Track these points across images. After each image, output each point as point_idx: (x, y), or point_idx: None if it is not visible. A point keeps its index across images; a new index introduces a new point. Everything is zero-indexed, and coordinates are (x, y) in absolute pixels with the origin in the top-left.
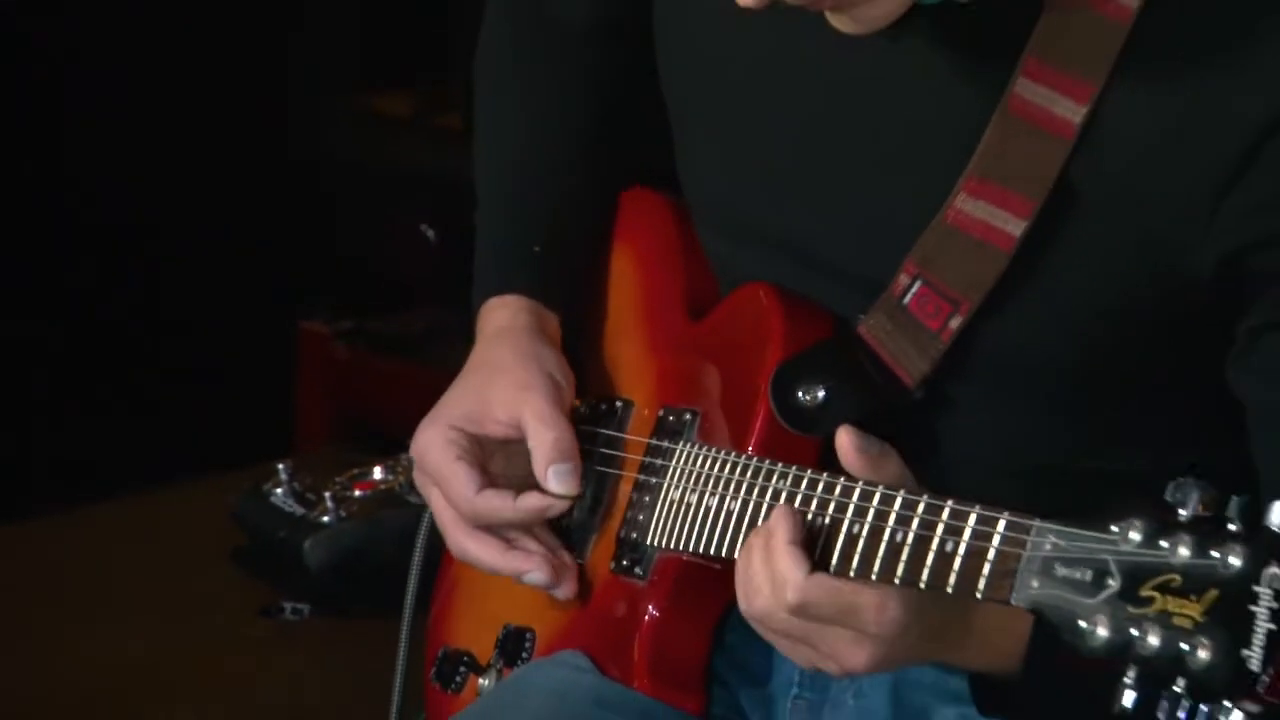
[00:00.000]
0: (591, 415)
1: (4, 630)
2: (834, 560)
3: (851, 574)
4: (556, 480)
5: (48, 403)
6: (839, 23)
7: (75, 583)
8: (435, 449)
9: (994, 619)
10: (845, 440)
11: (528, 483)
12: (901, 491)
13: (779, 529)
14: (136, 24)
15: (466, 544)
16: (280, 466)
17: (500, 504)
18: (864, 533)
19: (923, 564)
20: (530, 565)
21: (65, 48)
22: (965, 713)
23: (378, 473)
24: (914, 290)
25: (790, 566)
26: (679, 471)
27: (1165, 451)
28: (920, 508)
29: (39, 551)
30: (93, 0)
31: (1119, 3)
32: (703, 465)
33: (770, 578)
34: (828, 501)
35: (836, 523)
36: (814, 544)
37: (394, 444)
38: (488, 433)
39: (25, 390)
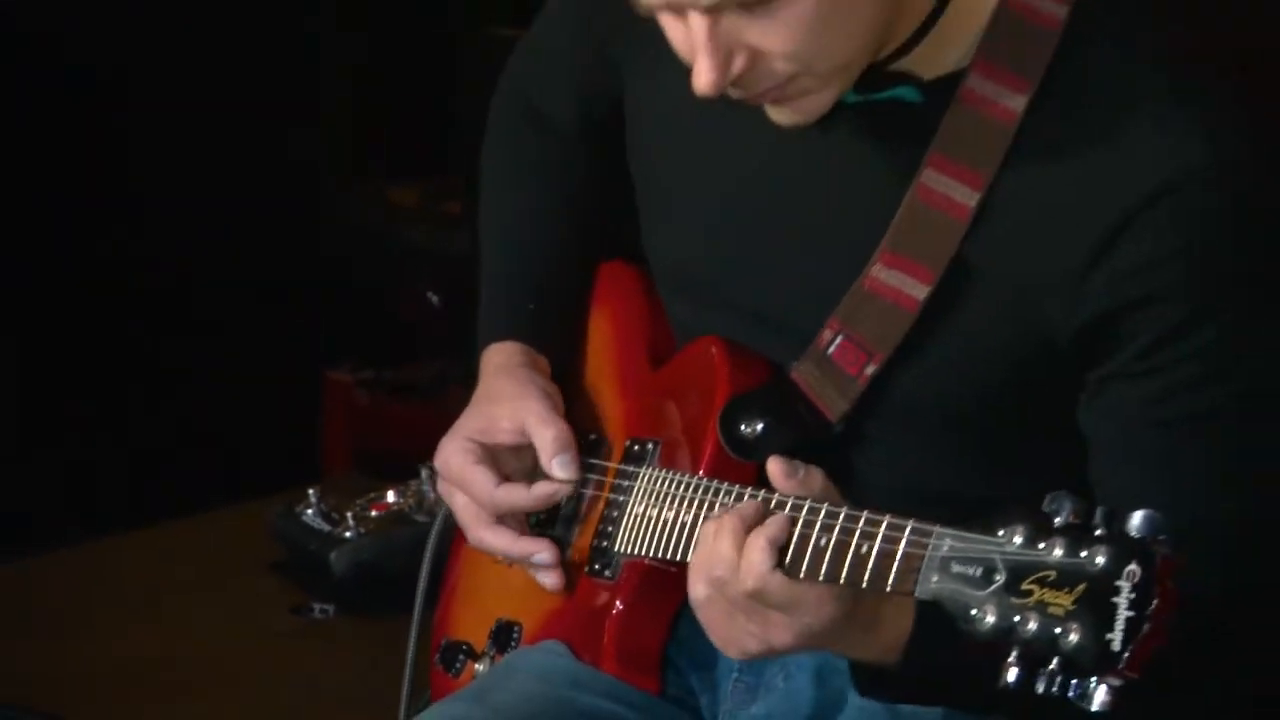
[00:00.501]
0: None
1: (82, 624)
2: None
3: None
4: (560, 468)
5: (121, 439)
6: (777, 115)
7: (141, 586)
8: (456, 458)
9: (887, 618)
10: (774, 468)
11: (535, 477)
12: (825, 504)
13: (769, 527)
14: (201, 130)
15: (486, 535)
16: (310, 491)
17: (518, 494)
18: (793, 539)
19: (842, 564)
20: (539, 547)
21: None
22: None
23: (391, 496)
24: (836, 343)
25: (762, 560)
26: (642, 490)
27: (1043, 478)
28: (840, 517)
29: (111, 561)
30: (159, 98)
31: (1006, 107)
32: (662, 485)
33: (739, 558)
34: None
35: None
36: None
37: (404, 472)
38: (498, 441)
39: (104, 430)
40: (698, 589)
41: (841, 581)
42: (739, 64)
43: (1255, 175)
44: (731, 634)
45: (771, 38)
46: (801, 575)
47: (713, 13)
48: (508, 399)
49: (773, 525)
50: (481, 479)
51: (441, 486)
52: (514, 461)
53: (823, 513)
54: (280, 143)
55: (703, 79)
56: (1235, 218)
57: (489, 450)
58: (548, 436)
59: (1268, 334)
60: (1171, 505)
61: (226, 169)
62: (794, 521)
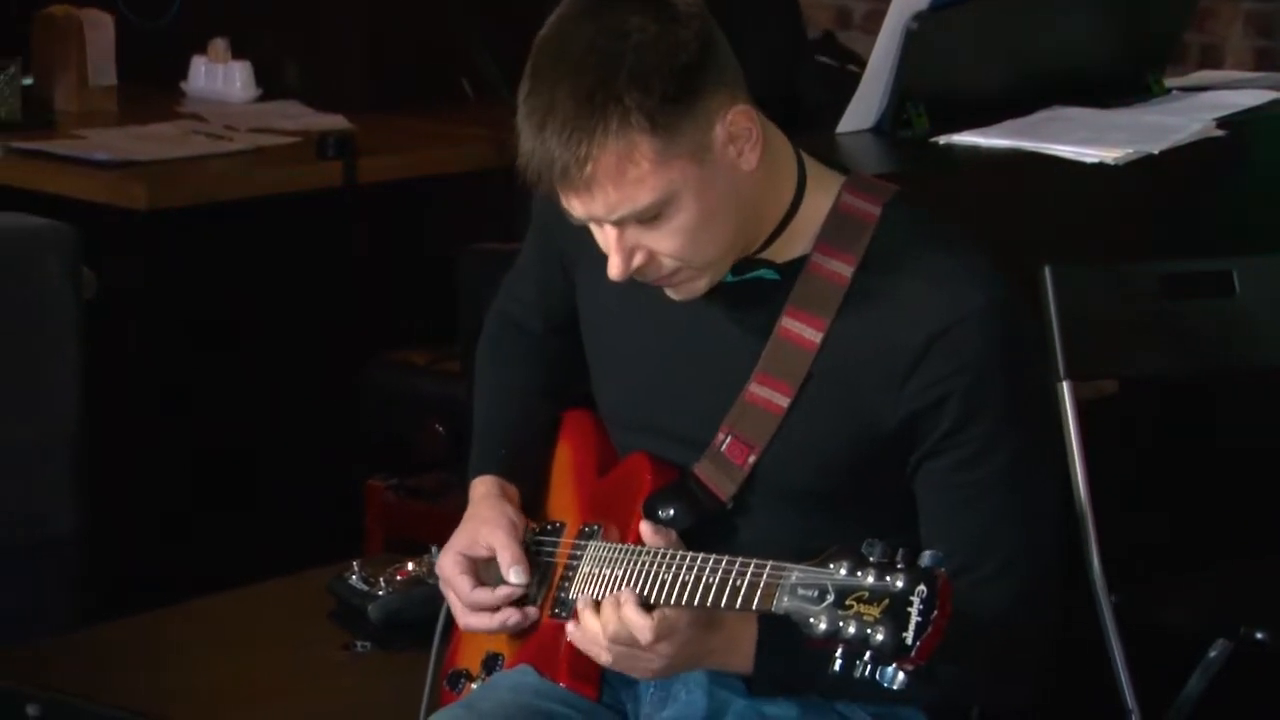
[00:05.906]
0: (543, 530)
1: (190, 656)
2: (664, 597)
3: (674, 601)
4: (515, 576)
5: (236, 531)
6: (670, 293)
7: (237, 627)
8: (448, 568)
9: (728, 621)
10: (645, 530)
11: (500, 580)
12: (686, 552)
13: (627, 596)
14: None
15: (468, 619)
16: (355, 563)
17: (485, 595)
18: (690, 580)
19: (723, 592)
20: (497, 623)
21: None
22: (752, 703)
23: (410, 566)
24: (727, 442)
25: (635, 616)
26: (590, 557)
27: (875, 531)
28: (710, 562)
29: (216, 609)
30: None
31: (839, 273)
32: (604, 552)
33: (619, 621)
34: (664, 565)
35: (673, 578)
36: (650, 592)
37: (419, 549)
38: (477, 554)
39: (223, 526)
40: (603, 658)
41: (723, 606)
42: (638, 259)
43: (1013, 314)
44: (636, 667)
45: (661, 242)
46: (672, 603)
47: (619, 225)
48: (484, 524)
49: (627, 595)
50: (463, 584)
51: (442, 585)
52: (487, 569)
53: (711, 560)
54: (341, 324)
55: (613, 270)
56: (1000, 344)
57: (470, 561)
58: (506, 557)
59: (1023, 424)
60: (963, 544)
61: (298, 351)
62: (666, 567)
